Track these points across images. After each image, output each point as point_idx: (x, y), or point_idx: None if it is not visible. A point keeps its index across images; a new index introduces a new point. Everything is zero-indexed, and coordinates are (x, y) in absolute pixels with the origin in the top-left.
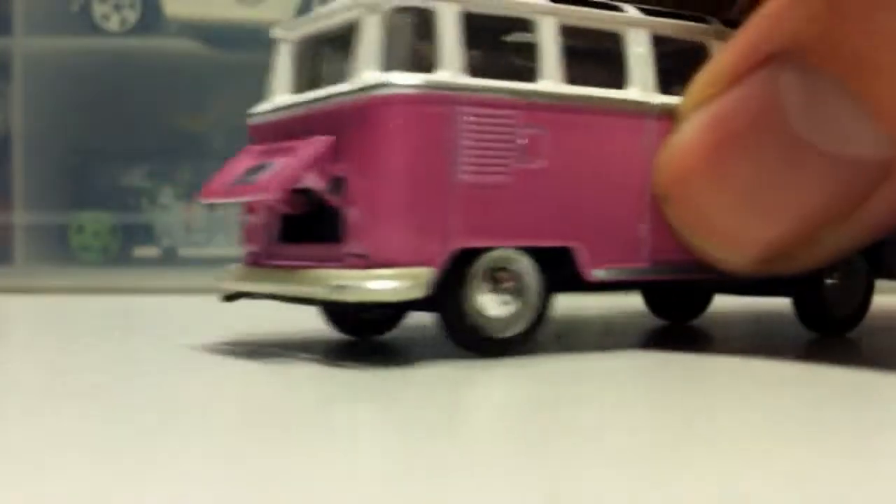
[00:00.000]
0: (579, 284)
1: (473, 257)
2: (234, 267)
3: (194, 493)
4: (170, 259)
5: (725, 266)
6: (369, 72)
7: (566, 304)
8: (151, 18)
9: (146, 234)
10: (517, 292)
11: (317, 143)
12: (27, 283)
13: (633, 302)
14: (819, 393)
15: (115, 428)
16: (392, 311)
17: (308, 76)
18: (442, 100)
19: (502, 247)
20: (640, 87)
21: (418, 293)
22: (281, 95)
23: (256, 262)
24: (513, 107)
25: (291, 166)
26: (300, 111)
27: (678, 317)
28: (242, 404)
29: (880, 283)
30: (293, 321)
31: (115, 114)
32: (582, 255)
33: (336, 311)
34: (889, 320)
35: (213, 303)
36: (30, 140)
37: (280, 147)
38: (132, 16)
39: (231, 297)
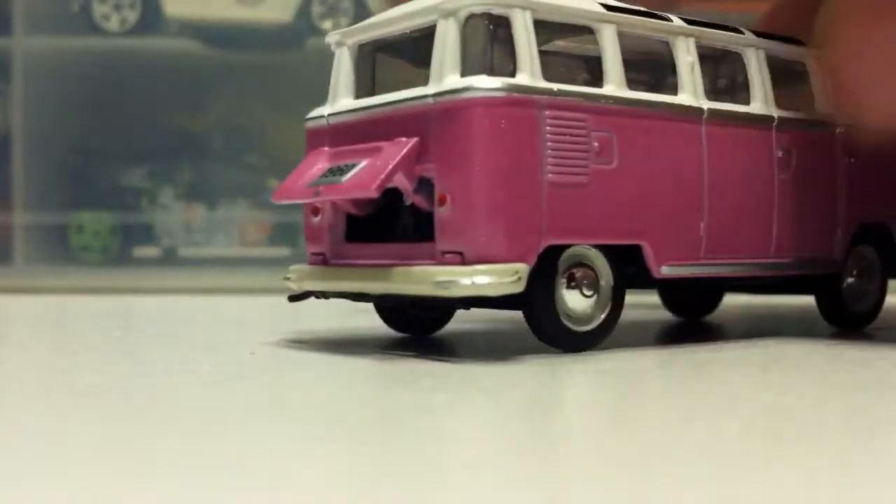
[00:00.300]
0: (648, 281)
1: (554, 255)
2: (299, 267)
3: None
4: (170, 259)
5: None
6: (452, 76)
7: None
8: (151, 18)
9: (146, 234)
10: (593, 288)
11: (404, 144)
12: (27, 283)
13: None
14: (823, 390)
15: (116, 428)
16: (449, 311)
17: (372, 80)
18: (526, 103)
19: (580, 244)
20: (691, 93)
21: (518, 288)
22: (344, 99)
23: (325, 262)
24: (587, 110)
25: (386, 165)
26: (375, 114)
27: (691, 313)
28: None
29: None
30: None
31: (115, 114)
32: (650, 253)
33: (393, 309)
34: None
35: (212, 302)
36: (30, 140)
37: (361, 149)
38: (132, 16)
39: (298, 297)
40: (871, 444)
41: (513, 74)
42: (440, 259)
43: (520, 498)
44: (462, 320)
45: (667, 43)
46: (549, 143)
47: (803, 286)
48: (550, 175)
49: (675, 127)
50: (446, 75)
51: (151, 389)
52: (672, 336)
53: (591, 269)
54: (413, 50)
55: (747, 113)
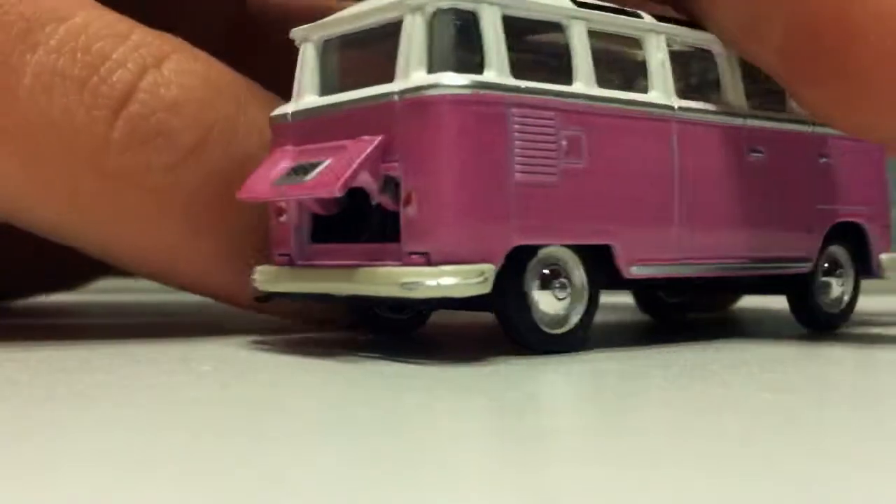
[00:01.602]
0: (620, 282)
1: (525, 255)
2: (266, 268)
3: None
4: None
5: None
6: (418, 72)
7: None
8: None
9: None
10: (566, 290)
11: (369, 143)
12: None
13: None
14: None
15: (116, 428)
16: (422, 312)
17: (337, 77)
18: (495, 100)
19: (550, 245)
20: (662, 91)
21: (485, 289)
22: (309, 96)
23: (291, 263)
24: (556, 108)
25: (349, 163)
26: (339, 111)
27: (664, 313)
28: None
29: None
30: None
31: None
32: (620, 253)
33: (366, 310)
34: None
35: (212, 302)
36: None
37: (325, 147)
38: None
39: (264, 298)
40: (872, 443)
41: (480, 71)
42: (406, 260)
43: (516, 497)
44: (461, 320)
45: (637, 40)
46: (517, 142)
47: (775, 286)
48: (518, 174)
49: (646, 125)
50: (412, 72)
51: (153, 389)
52: (671, 336)
53: (563, 270)
54: (379, 46)
55: (718, 110)
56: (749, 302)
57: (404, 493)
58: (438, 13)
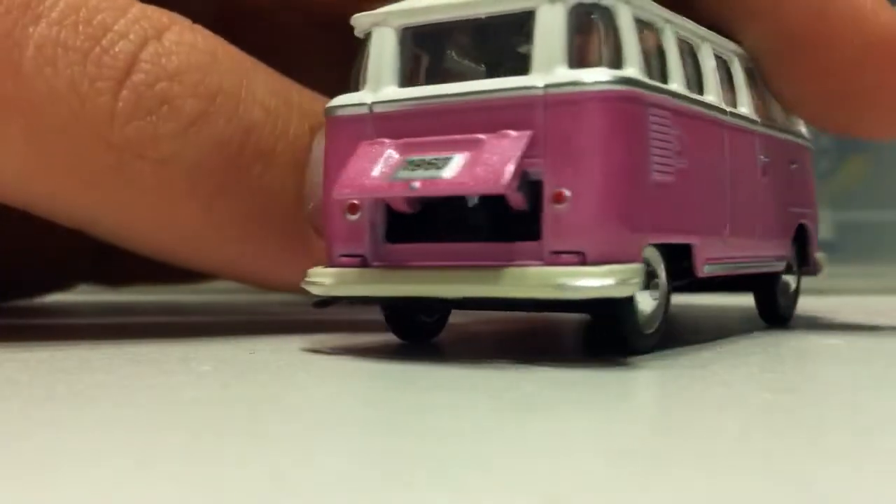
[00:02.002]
0: (691, 280)
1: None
2: (327, 270)
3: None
4: None
5: None
6: (560, 67)
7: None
8: None
9: None
10: (658, 289)
11: (518, 138)
12: None
13: None
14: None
15: (116, 428)
16: (447, 314)
17: (416, 68)
18: (639, 98)
19: (669, 242)
20: (716, 95)
21: (637, 289)
22: (389, 87)
23: (363, 265)
24: (671, 108)
25: (506, 159)
26: (456, 103)
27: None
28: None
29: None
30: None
31: None
32: (698, 252)
33: (403, 316)
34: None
35: (212, 302)
36: None
37: (445, 140)
38: None
39: (324, 302)
40: (872, 443)
41: (620, 68)
42: (550, 259)
43: (517, 497)
44: (462, 319)
45: (693, 46)
46: (652, 140)
47: (748, 284)
48: (654, 173)
49: (713, 129)
50: (555, 66)
51: (153, 389)
52: (670, 336)
53: (654, 270)
54: (474, 38)
55: (747, 116)
56: (747, 302)
57: (404, 493)
58: (578, 7)
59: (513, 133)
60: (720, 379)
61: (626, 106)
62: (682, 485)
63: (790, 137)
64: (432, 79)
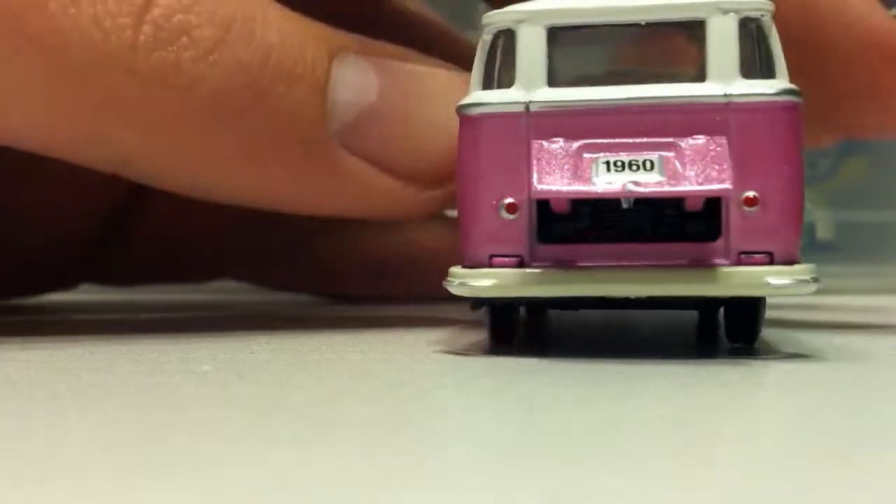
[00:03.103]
0: None
1: None
2: (490, 271)
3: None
4: None
5: None
6: (736, 76)
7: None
8: None
9: None
10: None
11: (718, 143)
12: None
13: None
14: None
15: (116, 428)
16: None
17: (574, 69)
18: (801, 108)
19: None
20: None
21: (816, 287)
22: (542, 88)
23: (521, 265)
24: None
25: (721, 164)
26: (628, 106)
27: None
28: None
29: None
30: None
31: None
32: None
33: (507, 319)
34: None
35: (212, 302)
36: None
37: (632, 143)
38: None
39: (480, 304)
40: (873, 443)
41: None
42: (736, 259)
43: (517, 497)
44: (458, 320)
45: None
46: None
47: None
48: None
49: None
50: (731, 75)
51: (151, 389)
52: (669, 336)
53: None
54: (635, 41)
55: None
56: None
57: (405, 493)
58: (747, 20)
59: (713, 139)
60: (720, 379)
61: (797, 115)
62: (682, 485)
63: None
64: (581, 81)
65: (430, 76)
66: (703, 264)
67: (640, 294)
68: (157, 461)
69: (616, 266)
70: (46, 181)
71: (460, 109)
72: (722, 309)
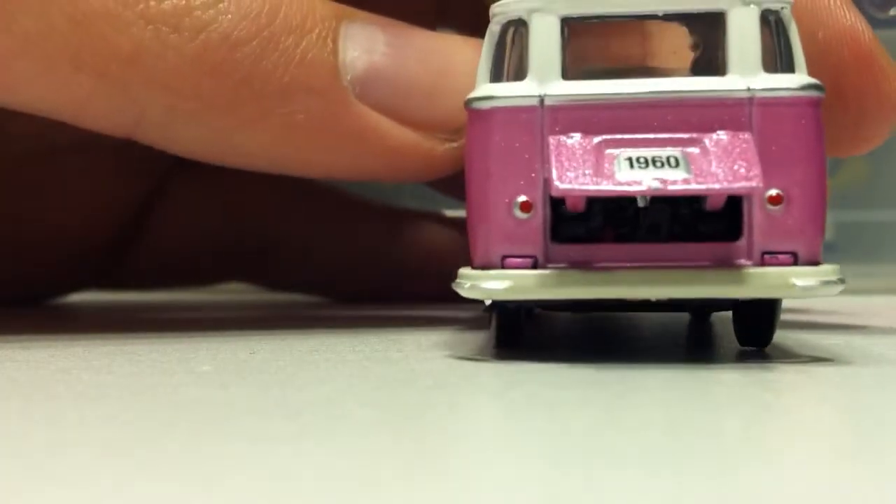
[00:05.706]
0: None
1: None
2: (507, 273)
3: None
4: None
5: None
6: (758, 70)
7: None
8: None
9: None
10: None
11: (744, 139)
12: None
13: None
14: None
15: (117, 427)
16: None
17: (584, 60)
18: (820, 102)
19: None
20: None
21: (842, 288)
22: (557, 81)
23: (536, 266)
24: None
25: (748, 159)
26: (648, 100)
27: None
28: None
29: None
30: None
31: None
32: None
33: (514, 322)
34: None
35: (212, 301)
36: None
37: (654, 138)
38: None
39: (492, 307)
40: (873, 444)
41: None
42: (759, 260)
43: (517, 497)
44: (457, 319)
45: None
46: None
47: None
48: None
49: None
50: (752, 68)
51: (151, 389)
52: (669, 336)
53: None
54: (649, 33)
55: None
56: None
57: (405, 493)
58: (767, 13)
59: (732, 134)
60: (720, 379)
61: (819, 112)
62: (682, 485)
63: None
64: (590, 74)
65: (437, 36)
66: (726, 265)
67: (662, 296)
68: (157, 461)
69: (637, 267)
70: (66, 194)
71: (469, 103)
72: (729, 311)
